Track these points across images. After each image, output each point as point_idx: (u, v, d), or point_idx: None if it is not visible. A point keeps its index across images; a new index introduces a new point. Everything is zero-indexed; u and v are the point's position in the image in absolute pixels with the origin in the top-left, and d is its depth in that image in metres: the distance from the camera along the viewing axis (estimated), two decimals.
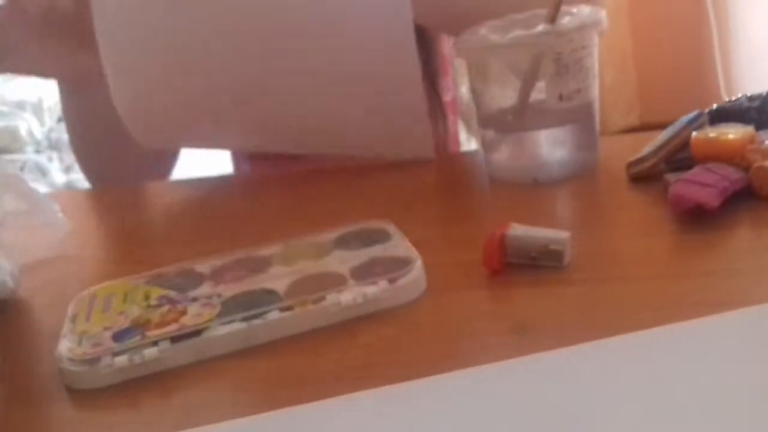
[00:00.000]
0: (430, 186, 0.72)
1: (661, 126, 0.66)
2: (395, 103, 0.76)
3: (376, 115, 0.77)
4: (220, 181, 0.93)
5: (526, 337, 0.44)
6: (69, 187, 2.66)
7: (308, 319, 0.49)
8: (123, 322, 0.50)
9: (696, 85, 2.87)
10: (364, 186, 0.75)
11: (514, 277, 0.50)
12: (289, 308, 0.49)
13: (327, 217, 0.68)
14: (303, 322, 0.49)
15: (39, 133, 2.92)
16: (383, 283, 0.50)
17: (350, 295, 0.50)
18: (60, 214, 0.69)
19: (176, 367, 0.47)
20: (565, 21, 0.65)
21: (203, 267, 0.57)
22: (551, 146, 0.67)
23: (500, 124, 0.68)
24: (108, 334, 0.48)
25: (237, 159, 1.06)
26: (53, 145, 2.91)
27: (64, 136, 2.96)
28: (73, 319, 0.52)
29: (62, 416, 0.45)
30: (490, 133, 0.69)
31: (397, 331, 0.48)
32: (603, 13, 0.66)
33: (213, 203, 0.82)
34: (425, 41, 0.95)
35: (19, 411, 0.46)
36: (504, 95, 0.68)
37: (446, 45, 1.01)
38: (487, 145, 0.70)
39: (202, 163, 1.10)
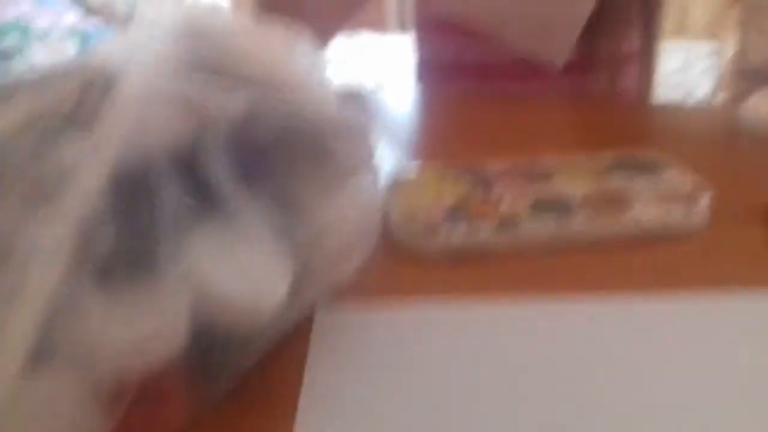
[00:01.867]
0: (676, 131, 0.76)
1: None
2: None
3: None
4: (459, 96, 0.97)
5: None
6: None
7: (607, 228, 0.54)
8: (446, 204, 0.56)
9: None
10: (603, 120, 0.79)
11: None
12: (590, 216, 0.55)
13: (578, 143, 0.73)
14: (602, 230, 0.54)
15: None
16: (674, 208, 0.55)
17: (645, 215, 0.55)
18: None
19: (494, 249, 0.53)
20: None
21: (487, 169, 0.62)
22: None
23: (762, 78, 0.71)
24: (438, 212, 0.55)
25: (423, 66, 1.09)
26: None
27: None
28: (394, 193, 0.58)
29: (399, 272, 0.52)
30: (749, 86, 0.72)
31: (686, 251, 0.53)
32: None
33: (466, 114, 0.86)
34: None
35: None
36: None
37: None
38: (742, 98, 0.73)
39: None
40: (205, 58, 0.35)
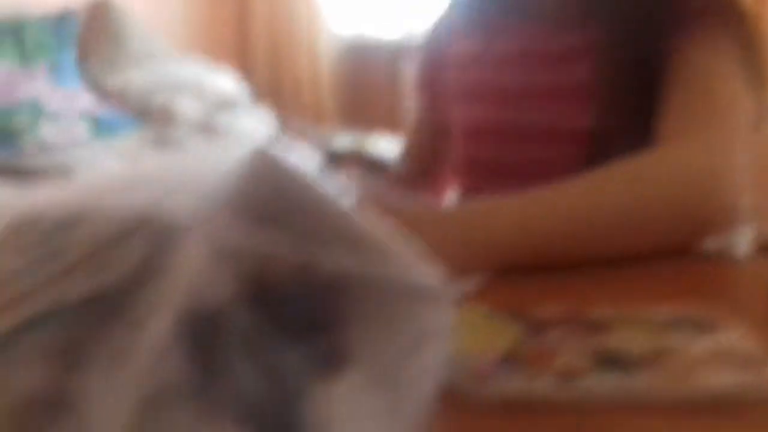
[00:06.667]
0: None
1: None
2: None
3: None
4: None
5: None
6: None
7: (674, 391, 0.50)
8: (497, 350, 0.52)
9: None
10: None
11: None
12: (656, 376, 0.51)
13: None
14: (669, 393, 0.50)
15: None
16: (743, 374, 0.51)
17: (715, 380, 0.50)
18: None
19: (553, 402, 0.49)
20: None
21: (537, 315, 0.58)
22: None
23: None
24: (490, 358, 0.51)
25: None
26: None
27: None
28: None
29: (450, 418, 0.47)
30: None
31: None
32: None
33: None
34: None
35: None
36: None
37: None
38: None
39: None
40: (275, 210, 0.31)
